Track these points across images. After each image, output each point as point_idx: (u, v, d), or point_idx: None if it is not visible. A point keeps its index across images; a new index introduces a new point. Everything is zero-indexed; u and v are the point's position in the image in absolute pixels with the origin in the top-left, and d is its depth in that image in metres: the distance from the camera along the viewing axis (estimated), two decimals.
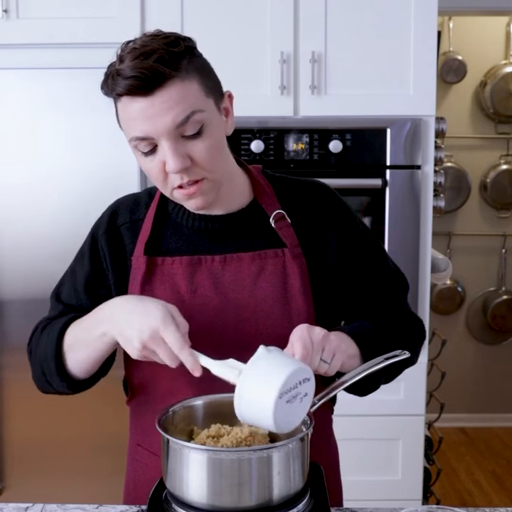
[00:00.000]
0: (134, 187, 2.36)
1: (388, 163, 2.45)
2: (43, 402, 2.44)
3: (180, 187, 1.17)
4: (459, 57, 3.99)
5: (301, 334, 1.09)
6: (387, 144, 2.44)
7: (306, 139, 2.45)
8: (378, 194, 2.46)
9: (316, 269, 1.27)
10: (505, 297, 4.18)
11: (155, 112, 1.10)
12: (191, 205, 1.21)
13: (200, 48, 1.18)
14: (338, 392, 1.14)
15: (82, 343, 1.20)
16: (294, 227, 1.28)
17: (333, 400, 1.38)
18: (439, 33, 3.54)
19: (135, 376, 1.30)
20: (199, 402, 1.14)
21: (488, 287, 4.21)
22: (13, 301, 2.40)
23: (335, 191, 1.35)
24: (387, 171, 2.45)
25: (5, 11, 2.37)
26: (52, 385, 1.26)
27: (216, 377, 1.21)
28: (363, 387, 1.26)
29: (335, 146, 2.44)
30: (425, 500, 2.69)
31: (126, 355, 1.26)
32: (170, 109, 1.10)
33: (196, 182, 1.16)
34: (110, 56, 1.15)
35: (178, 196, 1.19)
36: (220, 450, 1.02)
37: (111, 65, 1.14)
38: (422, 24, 2.40)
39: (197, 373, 1.06)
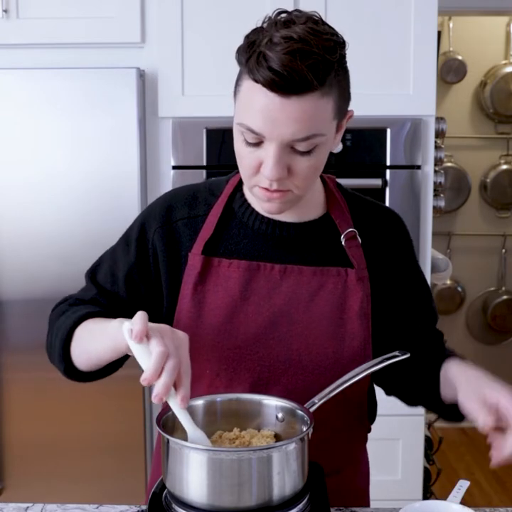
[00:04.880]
0: (134, 187, 2.36)
1: (388, 163, 2.45)
2: (43, 402, 2.44)
3: (265, 188, 1.12)
4: (459, 57, 4.00)
5: None
6: (387, 144, 2.44)
7: None
8: (378, 194, 2.46)
9: (378, 295, 1.24)
10: (505, 297, 4.18)
11: (281, 116, 1.04)
12: (265, 207, 1.15)
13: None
14: (337, 393, 1.13)
15: (93, 337, 1.14)
16: (363, 248, 1.23)
17: (372, 418, 1.34)
18: (439, 33, 3.54)
19: None
20: (199, 402, 1.14)
21: (488, 287, 4.21)
22: (13, 301, 2.40)
23: (404, 223, 1.32)
24: (387, 171, 2.45)
25: (5, 11, 2.37)
26: (54, 362, 1.23)
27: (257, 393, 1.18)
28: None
29: None
30: (425, 500, 2.69)
31: None
32: (296, 122, 1.04)
33: (281, 191, 1.11)
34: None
35: (257, 193, 1.14)
36: (220, 450, 1.02)
37: (260, 33, 1.07)
38: (422, 24, 2.39)
39: (156, 400, 0.97)
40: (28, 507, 1.19)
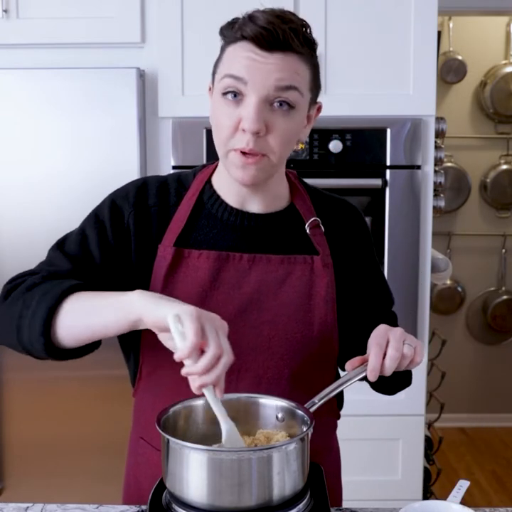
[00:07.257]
0: None
1: (388, 163, 2.45)
2: (43, 402, 2.44)
3: (241, 152, 1.14)
4: (459, 57, 4.00)
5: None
6: (387, 144, 2.44)
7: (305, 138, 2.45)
8: (378, 194, 2.46)
9: (342, 282, 1.28)
10: (505, 297, 4.18)
11: (265, 65, 1.12)
12: (240, 175, 1.17)
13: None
14: (336, 394, 1.14)
15: (98, 310, 1.10)
16: (326, 237, 1.28)
17: (340, 404, 1.37)
18: (439, 33, 3.54)
19: (147, 364, 1.26)
20: (199, 402, 1.14)
21: (488, 287, 4.21)
22: None
23: (363, 215, 1.38)
24: (387, 171, 2.45)
25: (5, 11, 2.37)
26: (23, 338, 1.14)
27: (228, 381, 1.20)
28: (392, 385, 1.27)
29: (335, 146, 2.44)
30: (425, 500, 2.69)
31: (144, 341, 1.23)
32: (279, 71, 1.12)
33: (257, 154, 1.14)
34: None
35: (233, 159, 1.16)
36: (220, 450, 1.02)
37: (237, 18, 1.19)
38: (422, 24, 2.39)
39: (197, 391, 1.00)
40: (28, 507, 1.19)
